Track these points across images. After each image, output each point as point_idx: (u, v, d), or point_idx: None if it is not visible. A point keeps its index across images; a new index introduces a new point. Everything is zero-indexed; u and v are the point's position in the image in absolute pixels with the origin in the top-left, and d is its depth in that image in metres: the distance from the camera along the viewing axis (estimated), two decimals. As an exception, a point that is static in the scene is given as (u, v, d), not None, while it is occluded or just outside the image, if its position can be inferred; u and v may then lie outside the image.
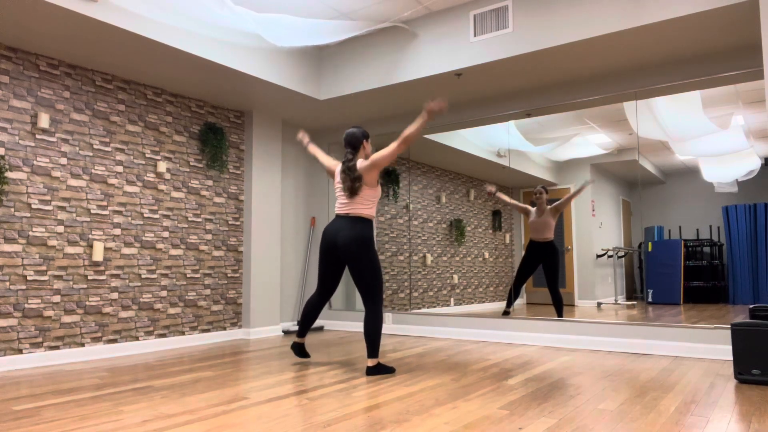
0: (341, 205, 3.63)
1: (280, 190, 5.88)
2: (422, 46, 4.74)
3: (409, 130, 3.40)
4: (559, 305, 4.86)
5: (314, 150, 4.02)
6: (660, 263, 4.50)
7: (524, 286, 5.18)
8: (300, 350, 3.92)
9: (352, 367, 3.78)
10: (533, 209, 5.13)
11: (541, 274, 5.06)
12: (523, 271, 5.15)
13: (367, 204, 3.59)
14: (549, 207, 5.04)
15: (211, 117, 5.33)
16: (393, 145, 3.47)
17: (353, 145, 3.66)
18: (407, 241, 5.82)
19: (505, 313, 5.11)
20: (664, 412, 2.55)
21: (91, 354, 4.26)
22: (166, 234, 4.85)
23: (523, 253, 5.17)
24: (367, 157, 3.69)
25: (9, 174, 3.88)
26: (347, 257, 3.53)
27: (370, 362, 3.46)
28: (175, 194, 4.95)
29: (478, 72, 4.61)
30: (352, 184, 3.56)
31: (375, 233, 6.05)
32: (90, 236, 4.32)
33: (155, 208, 4.78)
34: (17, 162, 3.93)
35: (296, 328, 5.90)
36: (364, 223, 3.57)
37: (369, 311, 3.50)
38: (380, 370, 3.47)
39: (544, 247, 5.04)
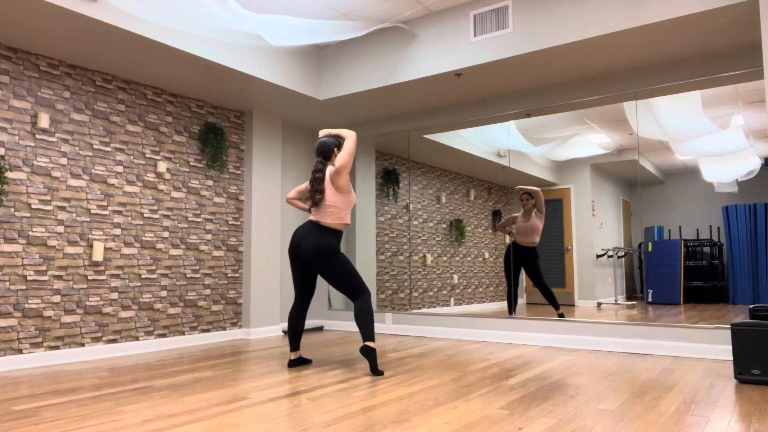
0: (313, 211, 3.73)
1: (280, 190, 5.88)
2: (422, 46, 4.73)
3: (349, 140, 3.62)
4: (553, 299, 4.90)
5: (292, 201, 4.01)
6: (660, 263, 4.49)
7: (524, 285, 5.18)
8: (298, 362, 3.87)
9: (352, 367, 3.78)
10: (519, 215, 5.16)
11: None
12: (512, 276, 5.18)
13: (336, 213, 3.64)
14: (535, 210, 5.08)
15: (211, 117, 5.33)
16: (348, 145, 3.59)
17: (325, 155, 3.74)
18: (407, 241, 5.82)
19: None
20: (664, 412, 2.55)
21: (91, 354, 4.26)
22: (166, 234, 4.85)
23: (504, 256, 5.21)
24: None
25: (9, 174, 3.88)
26: (313, 266, 3.61)
27: (369, 343, 3.46)
28: (175, 194, 4.95)
29: (478, 72, 4.61)
30: (315, 195, 3.64)
31: (375, 233, 6.04)
32: (90, 236, 4.32)
33: (155, 208, 4.78)
34: (17, 162, 3.93)
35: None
36: (329, 232, 3.62)
37: (357, 302, 3.56)
38: (375, 356, 3.47)
39: (527, 251, 5.09)
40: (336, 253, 3.60)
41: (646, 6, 3.74)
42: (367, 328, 3.49)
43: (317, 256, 3.56)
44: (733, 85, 4.15)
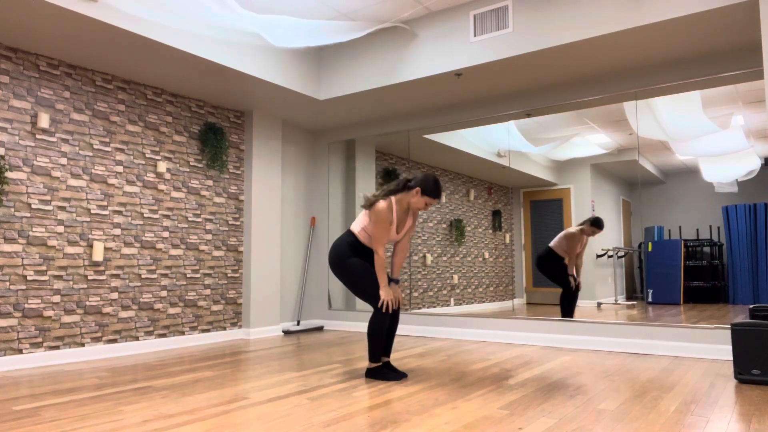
0: None
1: (280, 190, 5.88)
2: (422, 46, 4.73)
3: (379, 260, 3.26)
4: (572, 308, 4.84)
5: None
6: (660, 263, 4.50)
7: (524, 285, 5.18)
8: (388, 369, 3.50)
9: (352, 367, 3.78)
10: (584, 237, 4.95)
11: (541, 275, 5.07)
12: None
13: (358, 226, 3.43)
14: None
15: (211, 117, 5.33)
16: (375, 246, 3.28)
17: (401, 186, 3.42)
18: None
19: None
20: (664, 412, 2.55)
21: (91, 354, 4.26)
22: (166, 234, 4.85)
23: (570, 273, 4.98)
24: (408, 205, 3.41)
25: (9, 174, 3.88)
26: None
27: (368, 365, 3.41)
28: (175, 194, 4.95)
29: (478, 72, 4.61)
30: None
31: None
32: (90, 236, 4.32)
33: (155, 208, 4.78)
34: (17, 162, 3.93)
35: (296, 327, 5.90)
36: (345, 236, 3.43)
37: (372, 315, 3.44)
38: (377, 375, 3.35)
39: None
40: (345, 258, 3.36)
41: (646, 6, 3.74)
42: (371, 347, 3.35)
43: (329, 260, 3.41)
44: (733, 85, 4.15)
